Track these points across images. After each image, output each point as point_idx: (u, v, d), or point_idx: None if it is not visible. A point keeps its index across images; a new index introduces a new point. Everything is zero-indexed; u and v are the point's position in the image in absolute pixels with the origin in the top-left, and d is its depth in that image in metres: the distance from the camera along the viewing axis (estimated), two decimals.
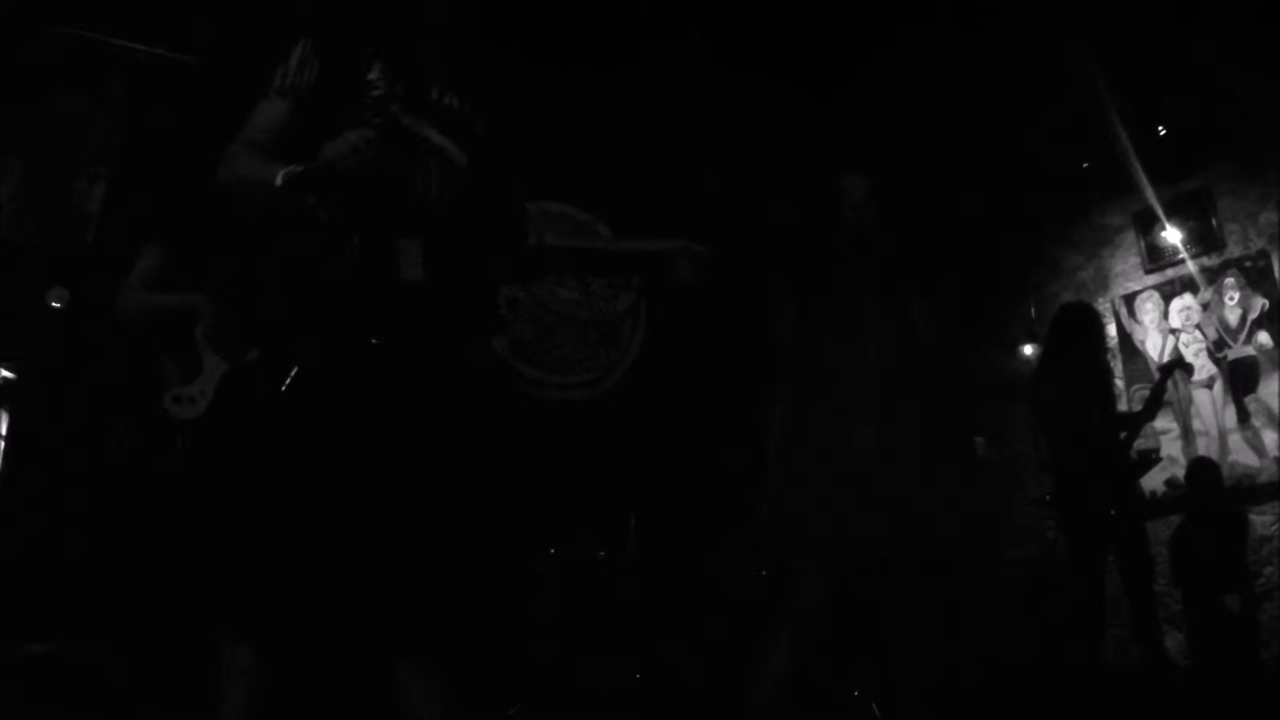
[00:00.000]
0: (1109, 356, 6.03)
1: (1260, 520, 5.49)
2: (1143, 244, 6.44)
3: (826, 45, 5.41)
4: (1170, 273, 6.29)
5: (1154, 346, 6.25)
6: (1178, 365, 4.88)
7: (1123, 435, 4.44)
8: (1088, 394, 4.37)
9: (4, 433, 4.64)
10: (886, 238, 3.05)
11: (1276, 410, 5.60)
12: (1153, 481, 5.74)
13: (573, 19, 5.10)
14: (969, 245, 6.81)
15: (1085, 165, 6.51)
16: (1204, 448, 5.82)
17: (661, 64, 5.38)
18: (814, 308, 2.96)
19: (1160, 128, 6.06)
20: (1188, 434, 5.94)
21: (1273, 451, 5.57)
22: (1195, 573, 5.18)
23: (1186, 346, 6.07)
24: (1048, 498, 4.75)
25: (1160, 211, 6.25)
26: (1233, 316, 5.91)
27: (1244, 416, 5.74)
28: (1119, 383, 6.23)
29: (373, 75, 1.89)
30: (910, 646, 2.78)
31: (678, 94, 5.56)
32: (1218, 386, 5.89)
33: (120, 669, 2.98)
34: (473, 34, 2.11)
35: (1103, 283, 6.62)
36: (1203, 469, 5.45)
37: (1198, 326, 6.06)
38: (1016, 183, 6.56)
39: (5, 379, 4.52)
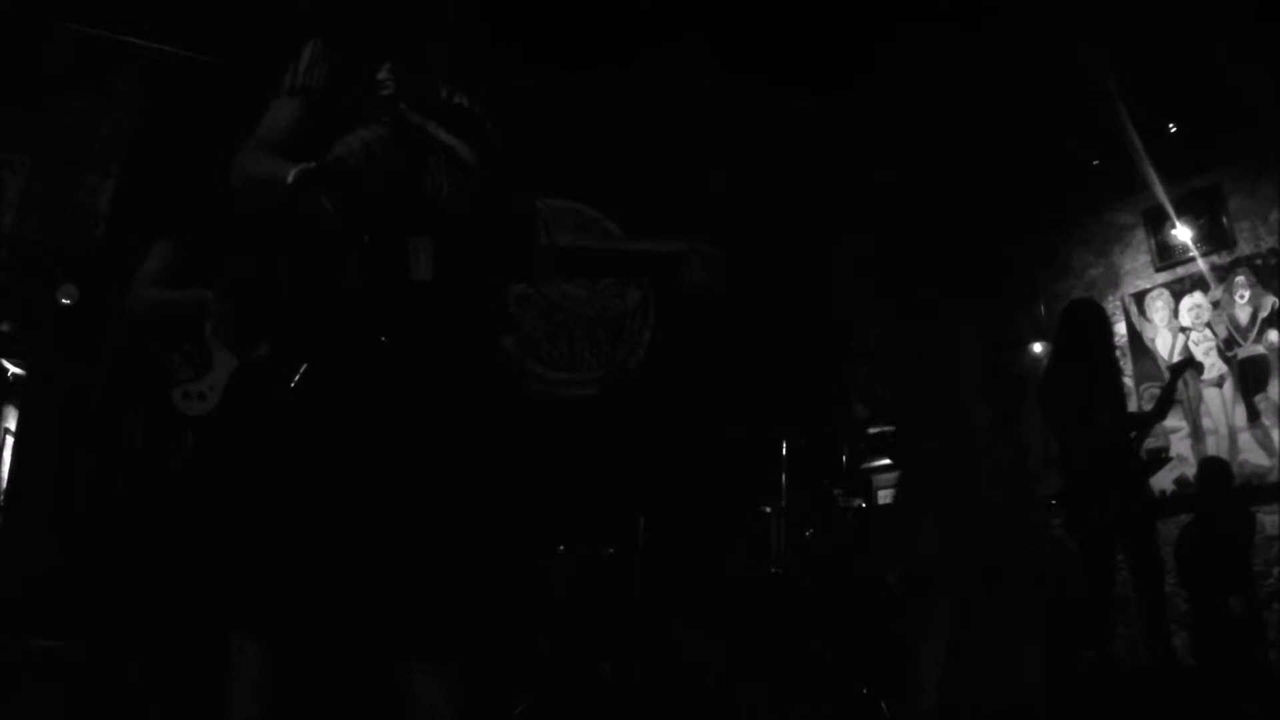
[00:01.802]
0: (1119, 355, 6.01)
1: (1270, 520, 5.47)
2: (1153, 242, 6.42)
3: (826, 45, 5.40)
4: (1180, 271, 6.27)
5: (1164, 345, 6.23)
6: (1188, 364, 4.86)
7: (1133, 434, 4.42)
8: (1097, 393, 4.35)
9: (13, 428, 4.66)
10: None
11: None
12: (1162, 481, 5.72)
13: (574, 18, 5.10)
14: (978, 244, 6.79)
15: (1095, 163, 6.48)
16: (1214, 447, 5.80)
17: (663, 63, 5.38)
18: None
19: (1170, 125, 6.04)
20: (1198, 433, 5.92)
21: None
22: (1202, 573, 5.17)
23: (1197, 345, 6.05)
24: (1057, 497, 4.74)
25: (1170, 209, 6.23)
26: (1243, 315, 5.89)
27: (1254, 415, 5.72)
28: (1129, 381, 6.21)
29: (382, 75, 1.89)
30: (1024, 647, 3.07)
31: (679, 93, 5.56)
32: (1228, 385, 5.87)
33: (129, 665, 2.98)
34: (477, 33, 2.10)
35: (1113, 281, 6.60)
36: (1211, 468, 5.43)
37: (1208, 325, 6.04)
38: (1025, 181, 6.54)
39: (15, 375, 4.54)
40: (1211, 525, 5.22)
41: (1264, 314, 5.78)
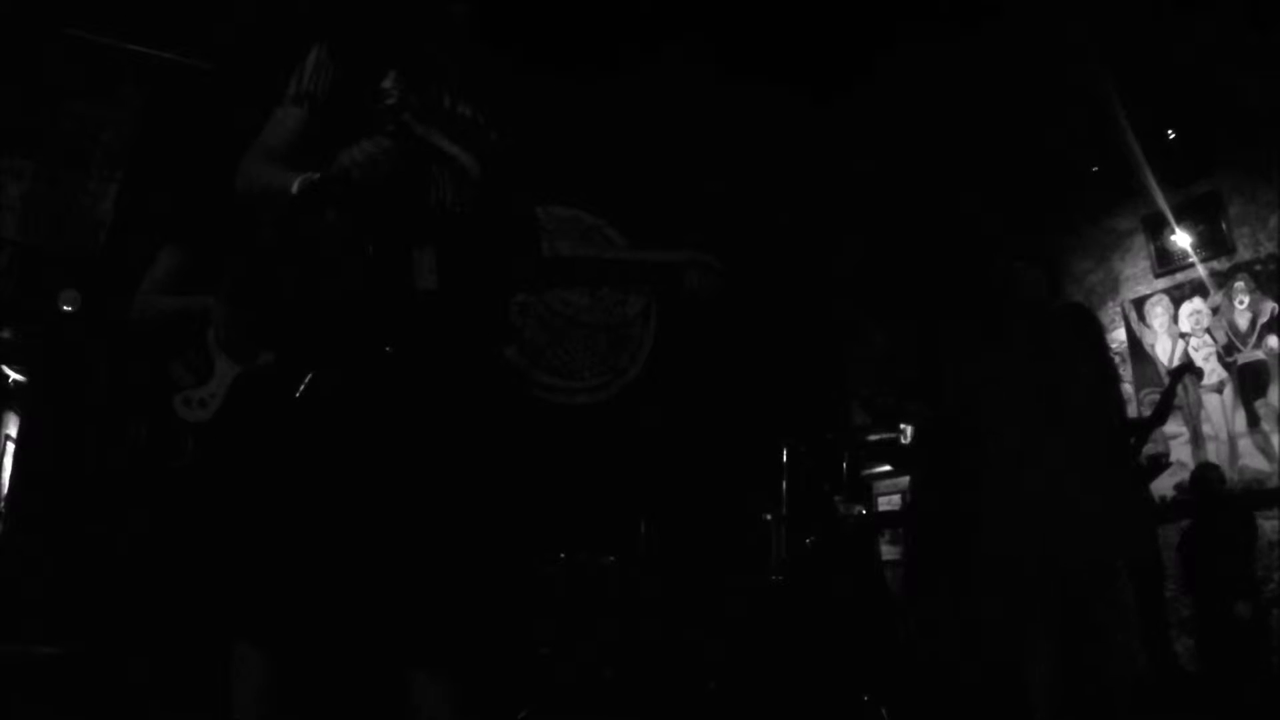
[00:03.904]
0: (1118, 360, 6.02)
1: (1270, 525, 5.47)
2: (1152, 248, 6.42)
3: (826, 45, 5.41)
4: (1180, 276, 6.27)
5: (1164, 350, 6.23)
6: (1187, 369, 4.87)
7: (1132, 440, 4.42)
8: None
9: (15, 435, 4.66)
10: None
11: None
12: (1162, 486, 5.72)
13: (573, 20, 5.11)
14: (977, 248, 6.80)
15: (1094, 169, 6.49)
16: (1214, 452, 5.81)
17: (663, 65, 5.39)
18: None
19: (1170, 131, 6.04)
20: (1197, 438, 5.92)
21: None
22: (1203, 578, 5.17)
23: (1196, 350, 6.05)
24: None
25: (1170, 215, 6.23)
26: (1242, 320, 5.89)
27: (1254, 420, 5.72)
28: (1128, 387, 6.22)
29: (387, 83, 1.90)
30: (1113, 642, 3.02)
31: (679, 97, 5.57)
32: (1227, 391, 5.87)
33: (131, 671, 2.98)
34: (476, 37, 2.11)
35: (1112, 286, 6.61)
36: (1205, 473, 5.44)
37: (1207, 330, 6.05)
38: (1024, 186, 6.54)
39: (16, 381, 4.54)
40: (1211, 531, 5.22)
41: (1263, 319, 5.79)
